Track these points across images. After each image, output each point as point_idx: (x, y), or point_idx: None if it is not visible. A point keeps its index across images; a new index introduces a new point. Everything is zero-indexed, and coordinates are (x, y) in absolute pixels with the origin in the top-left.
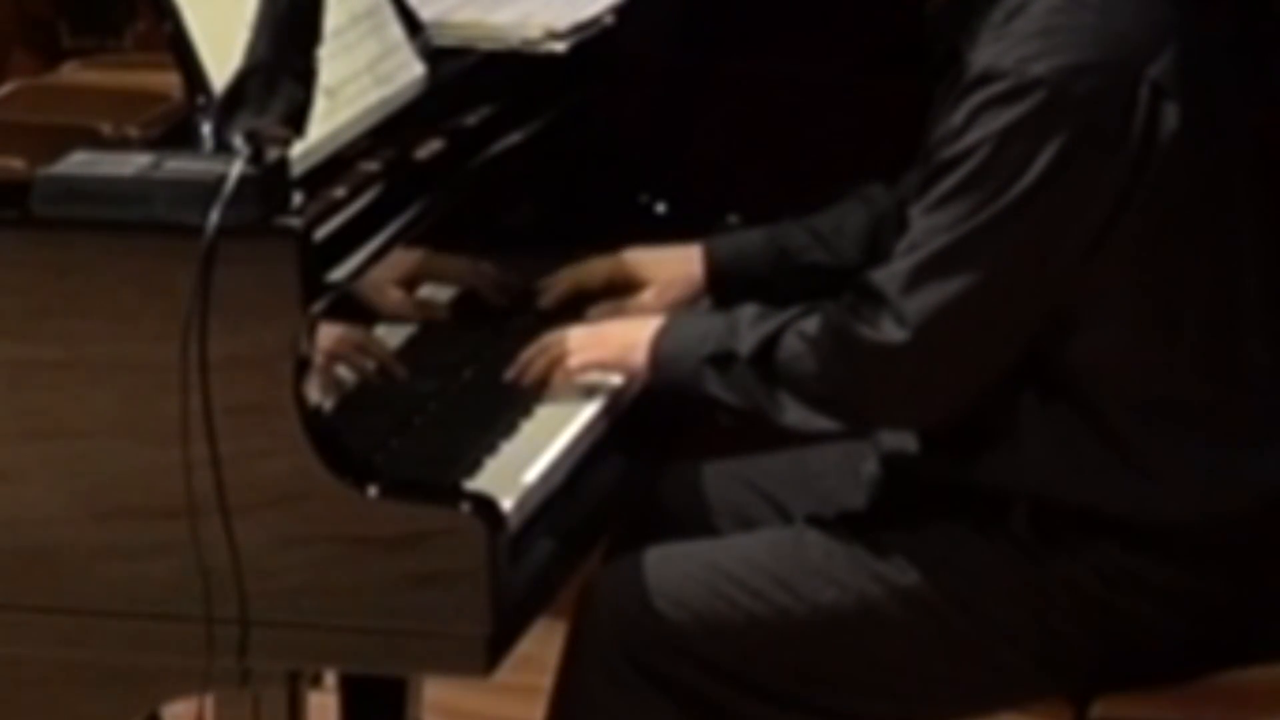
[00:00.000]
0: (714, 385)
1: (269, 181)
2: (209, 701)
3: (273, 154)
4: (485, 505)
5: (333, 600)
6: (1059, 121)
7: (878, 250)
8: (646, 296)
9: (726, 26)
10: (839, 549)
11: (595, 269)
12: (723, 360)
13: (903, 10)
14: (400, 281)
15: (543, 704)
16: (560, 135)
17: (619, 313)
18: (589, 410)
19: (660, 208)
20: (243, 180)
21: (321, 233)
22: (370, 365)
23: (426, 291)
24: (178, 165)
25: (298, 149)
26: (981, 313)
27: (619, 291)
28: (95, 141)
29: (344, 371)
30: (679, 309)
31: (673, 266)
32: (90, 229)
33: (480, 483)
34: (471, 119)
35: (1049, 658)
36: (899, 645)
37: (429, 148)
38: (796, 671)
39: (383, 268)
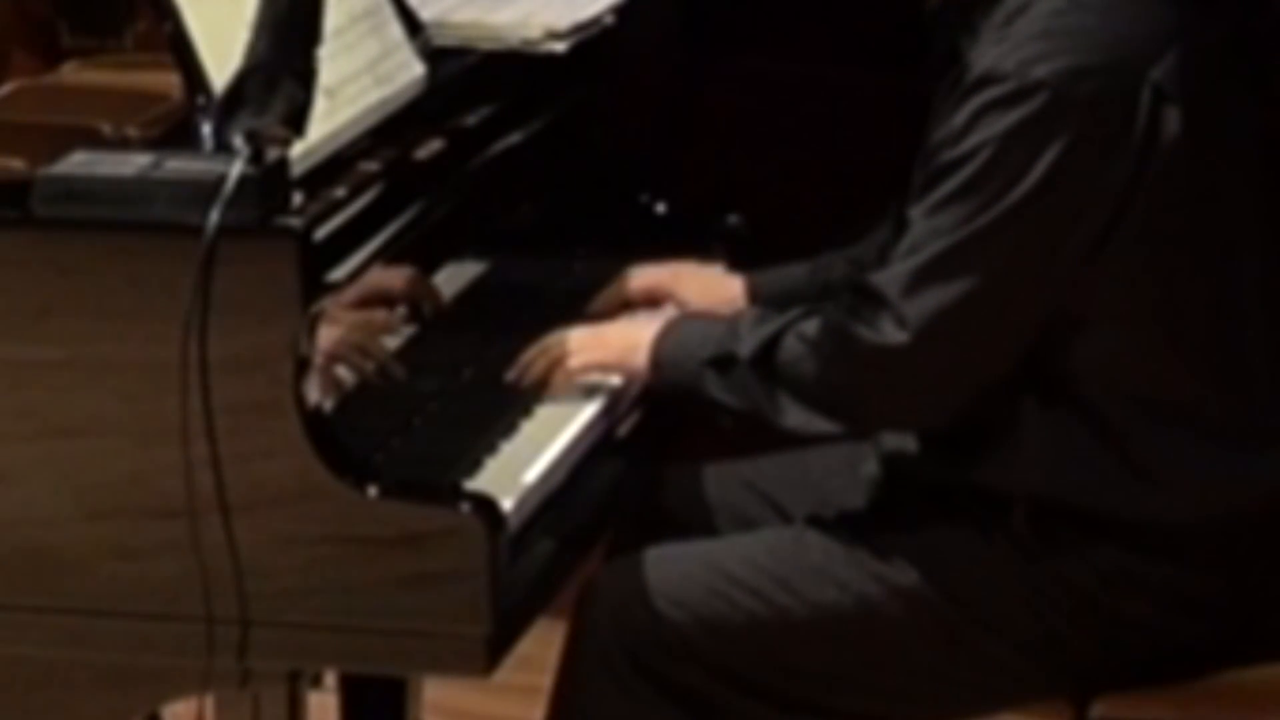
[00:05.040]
0: (714, 387)
1: (269, 181)
2: (209, 701)
3: (273, 154)
4: (485, 505)
5: (333, 600)
6: (1061, 125)
7: None
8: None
9: (727, 26)
10: (839, 549)
11: (638, 281)
12: (723, 362)
13: (903, 9)
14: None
15: (543, 704)
16: (560, 135)
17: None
18: (589, 410)
19: (660, 208)
20: (243, 180)
21: (321, 233)
22: (370, 365)
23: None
24: (178, 165)
25: (298, 149)
26: (982, 316)
27: (658, 305)
28: (95, 141)
29: (344, 371)
30: None
31: (717, 294)
32: (90, 229)
33: (480, 483)
34: (471, 119)
35: (1049, 658)
36: (899, 645)
37: (429, 148)
38: (796, 671)
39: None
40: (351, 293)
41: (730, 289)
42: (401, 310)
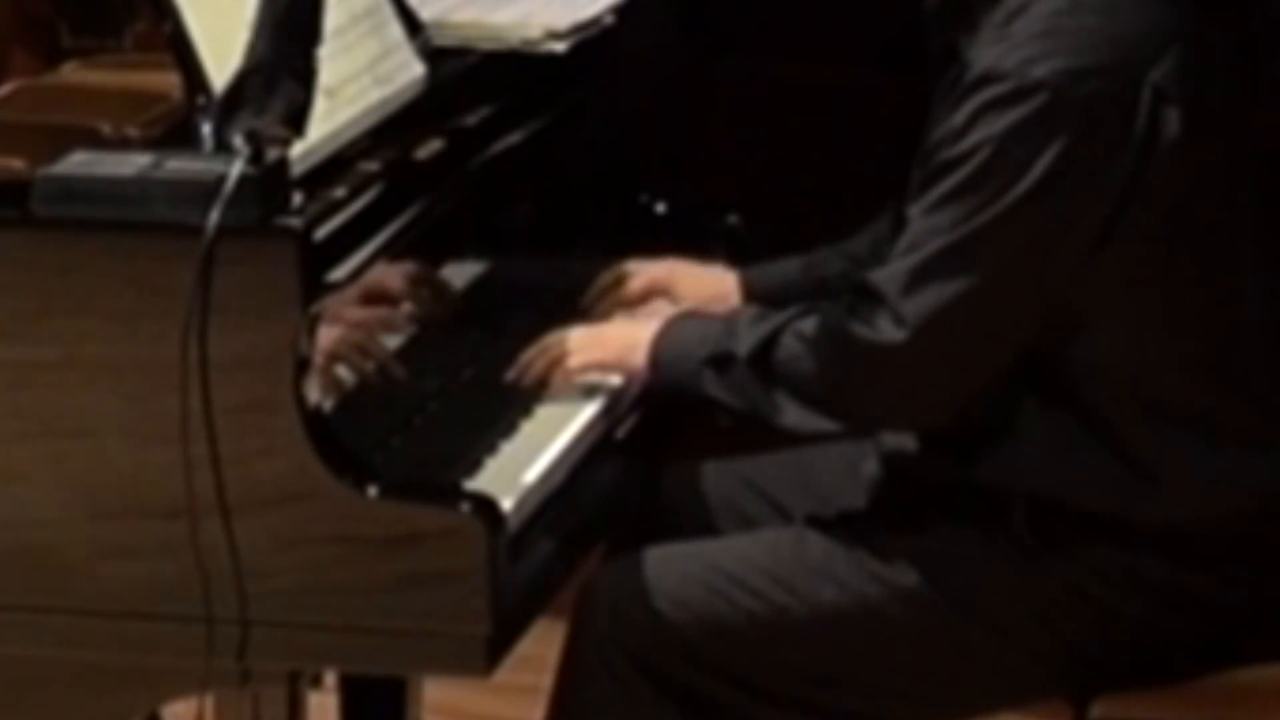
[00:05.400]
0: (713, 386)
1: (269, 181)
2: (209, 701)
3: (273, 154)
4: (485, 505)
5: (333, 600)
6: (1060, 124)
7: None
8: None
9: (726, 26)
10: (839, 549)
11: (635, 277)
12: (721, 361)
13: (901, 8)
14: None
15: (543, 704)
16: (560, 135)
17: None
18: (589, 410)
19: (660, 208)
20: (243, 180)
21: (321, 233)
22: (370, 365)
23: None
24: (178, 165)
25: (298, 149)
26: (980, 314)
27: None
28: (95, 141)
29: (344, 371)
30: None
31: (711, 289)
32: (90, 229)
33: (480, 483)
34: (471, 119)
35: (1049, 658)
36: (898, 645)
37: (429, 148)
38: (796, 671)
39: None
40: (354, 291)
41: (724, 284)
42: (407, 307)
